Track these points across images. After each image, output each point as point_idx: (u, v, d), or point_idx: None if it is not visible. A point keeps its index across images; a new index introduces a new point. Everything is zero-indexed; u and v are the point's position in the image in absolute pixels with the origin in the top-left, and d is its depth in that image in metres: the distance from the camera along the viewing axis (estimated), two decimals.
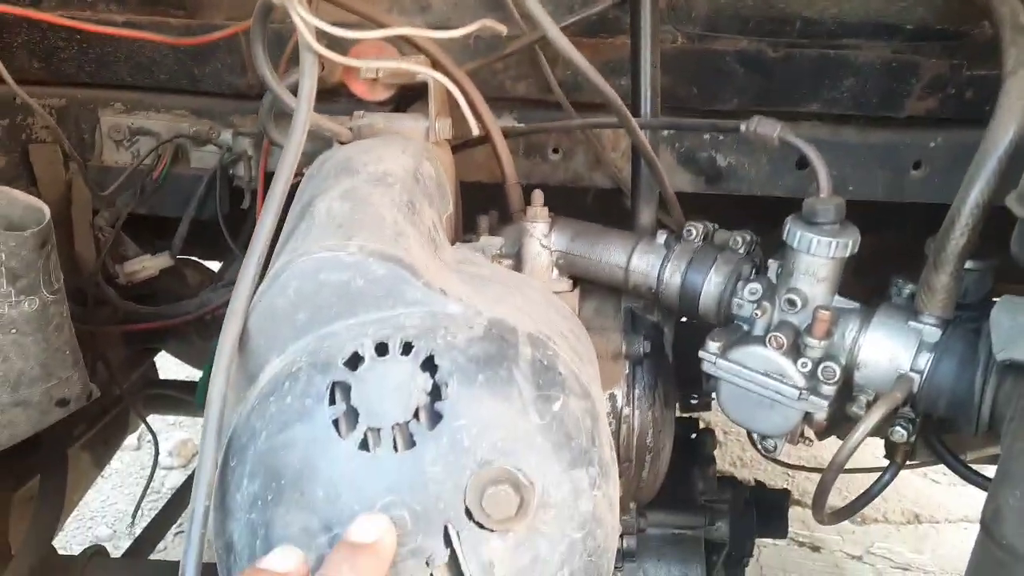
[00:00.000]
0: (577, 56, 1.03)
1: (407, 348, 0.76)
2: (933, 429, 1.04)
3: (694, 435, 1.50)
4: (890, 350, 0.93)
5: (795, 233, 0.95)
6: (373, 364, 0.74)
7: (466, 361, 0.76)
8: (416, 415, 0.74)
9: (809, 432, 1.04)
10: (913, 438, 0.98)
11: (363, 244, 0.79)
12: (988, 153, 0.86)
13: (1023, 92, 0.86)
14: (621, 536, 1.29)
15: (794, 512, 2.78)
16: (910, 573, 2.65)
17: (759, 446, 1.03)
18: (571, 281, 1.16)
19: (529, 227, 1.13)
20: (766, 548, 2.57)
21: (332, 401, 0.72)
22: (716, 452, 2.89)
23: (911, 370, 0.92)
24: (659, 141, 1.53)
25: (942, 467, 1.18)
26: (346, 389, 0.73)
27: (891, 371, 0.93)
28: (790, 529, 2.70)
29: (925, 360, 0.91)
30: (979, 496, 0.90)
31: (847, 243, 0.94)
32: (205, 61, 1.41)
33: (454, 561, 0.70)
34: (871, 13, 1.35)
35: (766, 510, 1.50)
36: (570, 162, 1.55)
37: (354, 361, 0.74)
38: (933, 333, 0.91)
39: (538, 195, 1.14)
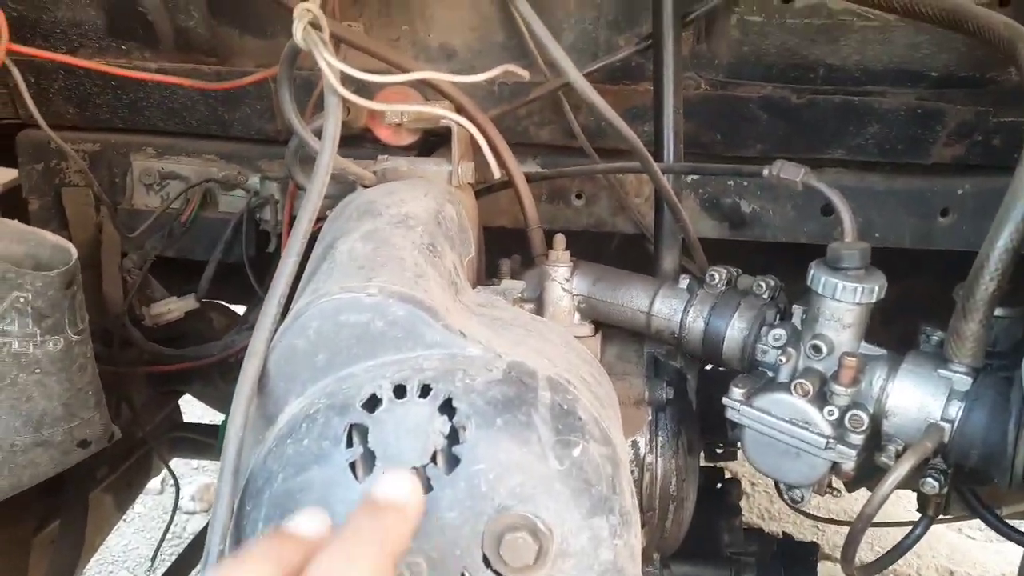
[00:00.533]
0: (600, 101, 1.04)
1: (425, 390, 0.75)
2: (966, 481, 1.01)
3: (719, 485, 1.47)
4: (919, 398, 0.91)
5: (820, 278, 0.94)
6: (391, 406, 0.73)
7: (484, 404, 0.75)
8: (433, 459, 0.73)
9: (838, 483, 1.02)
10: (945, 490, 0.95)
11: (383, 285, 0.79)
12: (1017, 197, 0.85)
13: None
14: None
15: (824, 567, 2.70)
16: None
17: (786, 496, 1.00)
18: (593, 326, 1.15)
19: (551, 271, 1.13)
20: None
21: (349, 444, 0.72)
22: (743, 503, 2.84)
23: (941, 419, 0.89)
24: (683, 187, 1.54)
25: (977, 522, 1.14)
26: (363, 431, 0.72)
27: (920, 420, 0.90)
28: None
29: (956, 409, 0.89)
30: (1016, 552, 0.87)
31: (873, 289, 0.92)
32: (235, 107, 1.44)
33: None
34: (895, 60, 1.35)
35: (793, 563, 1.46)
36: (593, 207, 1.56)
37: (372, 403, 0.73)
38: (963, 381, 0.89)
39: (560, 239, 1.14)
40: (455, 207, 1.07)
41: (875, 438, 0.95)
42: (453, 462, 0.73)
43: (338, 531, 0.59)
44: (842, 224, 0.94)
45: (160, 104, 1.45)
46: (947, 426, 0.89)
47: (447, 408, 0.74)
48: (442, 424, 0.74)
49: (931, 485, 0.94)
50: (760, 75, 1.40)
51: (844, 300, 0.93)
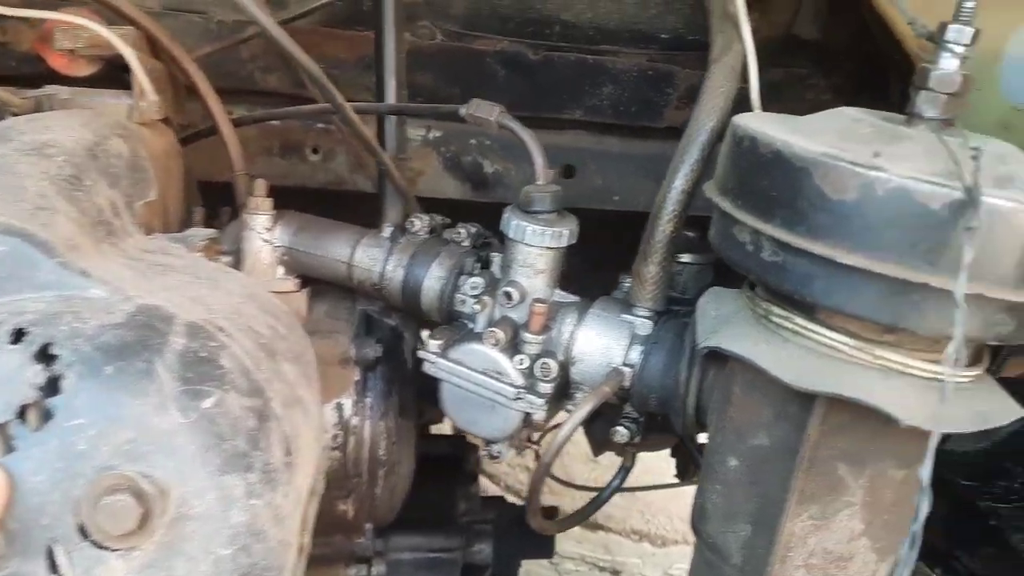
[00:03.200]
0: (289, 43, 0.95)
1: (19, 336, 0.64)
2: (660, 429, 1.01)
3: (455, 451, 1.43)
4: (603, 344, 0.89)
5: (511, 222, 0.90)
6: None
7: (93, 350, 0.65)
8: (23, 414, 0.61)
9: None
10: (638, 438, 0.95)
11: None
12: (692, 140, 0.85)
13: (726, 79, 0.85)
14: (369, 561, 1.19)
15: (597, 536, 2.78)
16: None
17: (484, 451, 0.96)
18: (298, 280, 1.06)
19: (249, 220, 1.02)
20: (568, 574, 2.53)
21: None
22: (506, 474, 2.84)
23: (624, 364, 0.88)
24: (424, 144, 1.48)
25: None
26: None
27: (604, 365, 0.89)
28: (592, 554, 2.69)
29: (637, 353, 0.88)
30: None
31: (562, 232, 0.89)
32: None
33: None
34: (626, 19, 1.35)
35: (533, 530, 1.44)
36: (331, 163, 1.47)
37: None
38: (645, 325, 0.88)
39: (261, 184, 1.04)
40: (129, 143, 0.95)
41: (567, 386, 0.92)
42: (46, 418, 0.62)
43: None
44: (535, 166, 0.91)
45: None
46: (628, 371, 0.87)
47: (44, 356, 0.63)
48: (34, 374, 0.62)
49: (621, 434, 0.93)
50: (497, 28, 1.36)
51: (534, 244, 0.89)
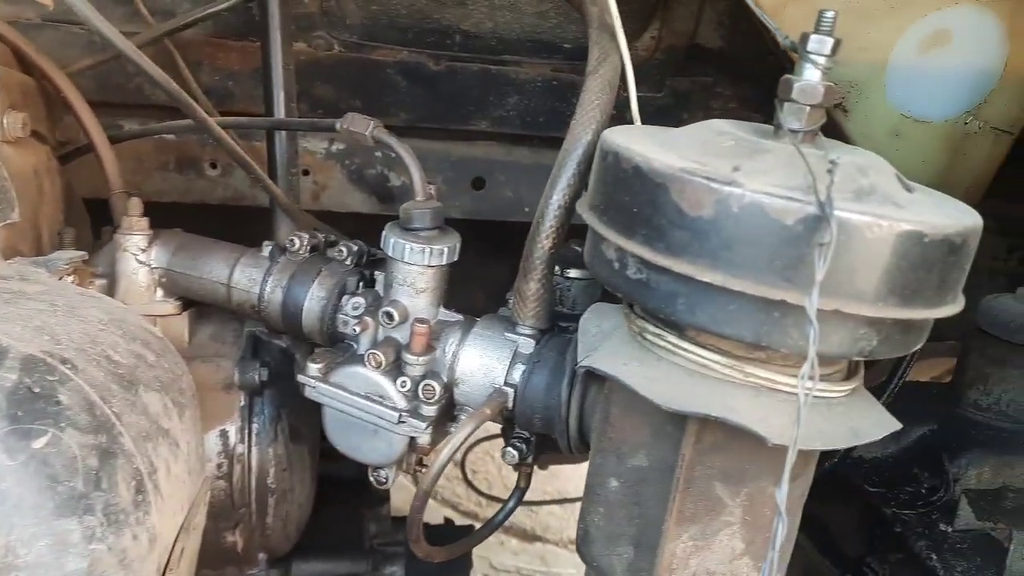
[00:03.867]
0: (143, 60, 0.90)
1: None
2: (552, 449, 0.98)
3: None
4: (485, 363, 0.86)
5: (390, 241, 0.87)
6: None
7: None
8: None
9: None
10: (531, 458, 0.92)
11: None
12: (568, 154, 0.83)
13: (602, 91, 0.84)
14: None
15: (534, 548, 2.76)
16: None
17: (371, 478, 0.93)
18: (179, 303, 1.02)
19: (123, 241, 0.98)
20: None
21: None
22: (443, 487, 2.79)
23: (506, 384, 0.85)
24: (328, 158, 1.44)
25: None
26: None
27: (486, 386, 0.86)
28: (528, 566, 2.67)
29: (519, 373, 0.85)
30: None
31: (443, 250, 0.87)
32: None
33: None
34: (527, 29, 1.33)
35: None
36: (229, 178, 1.42)
37: None
38: (528, 344, 0.86)
39: (135, 203, 0.99)
40: None
41: (452, 408, 0.89)
42: None
43: None
44: (412, 183, 0.88)
45: None
46: (510, 391, 0.85)
47: None
48: None
49: (511, 455, 0.90)
50: (396, 38, 1.33)
51: (414, 263, 0.86)
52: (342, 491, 1.35)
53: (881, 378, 1.32)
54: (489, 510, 2.80)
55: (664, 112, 1.44)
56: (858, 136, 1.05)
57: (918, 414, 1.34)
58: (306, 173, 1.42)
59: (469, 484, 1.81)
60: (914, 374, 1.69)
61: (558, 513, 2.79)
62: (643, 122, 1.35)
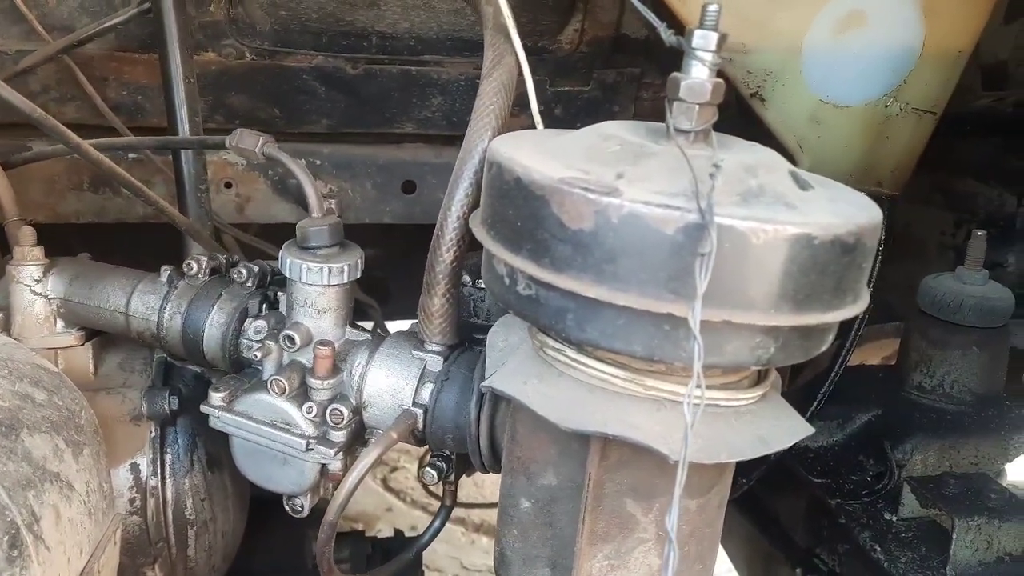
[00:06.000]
0: None
1: None
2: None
3: None
4: (393, 384, 0.83)
5: (286, 260, 0.83)
6: None
7: None
8: None
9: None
10: (452, 476, 0.89)
11: None
12: (465, 163, 0.79)
13: (496, 95, 0.80)
14: None
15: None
16: None
17: (287, 506, 0.89)
18: (81, 333, 0.97)
19: (15, 272, 0.93)
20: None
21: None
22: (413, 489, 2.75)
23: (415, 404, 0.82)
24: (251, 168, 1.40)
25: None
26: None
27: (395, 407, 0.83)
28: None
29: (428, 392, 0.82)
30: None
31: (343, 268, 0.83)
32: None
33: None
34: (445, 28, 1.29)
35: (395, 561, 1.37)
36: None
37: None
38: (436, 362, 0.82)
39: (27, 232, 0.94)
40: None
41: (363, 431, 0.86)
42: None
43: None
44: (307, 198, 0.84)
45: None
46: (419, 411, 0.81)
47: None
48: None
49: (430, 475, 0.87)
50: (311, 43, 1.29)
51: (313, 283, 0.83)
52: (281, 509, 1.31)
53: (823, 365, 1.30)
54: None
55: (593, 104, 1.41)
56: (777, 125, 1.03)
57: (863, 399, 1.33)
58: (228, 186, 1.38)
59: (426, 488, 1.77)
60: (862, 356, 1.68)
61: None
62: (571, 117, 1.31)
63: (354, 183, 1.42)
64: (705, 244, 0.55)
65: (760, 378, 0.71)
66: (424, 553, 1.50)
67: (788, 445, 0.68)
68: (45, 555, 0.71)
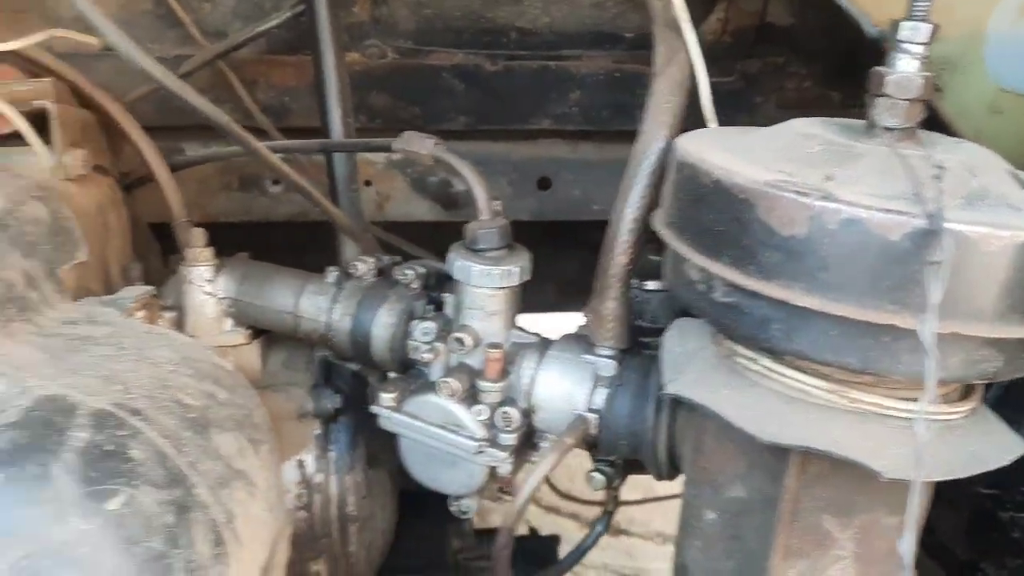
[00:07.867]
0: (182, 88, 0.88)
1: None
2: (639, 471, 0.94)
3: None
4: (565, 389, 0.82)
5: (455, 263, 0.83)
6: None
7: None
8: None
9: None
10: (618, 482, 0.88)
11: None
12: (639, 163, 0.77)
13: (671, 93, 0.78)
14: None
15: (619, 542, 2.71)
16: None
17: (452, 508, 0.90)
18: (249, 332, 1.00)
19: (187, 273, 0.97)
20: None
21: None
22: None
23: (588, 410, 0.81)
24: (389, 167, 1.41)
25: None
26: None
27: (567, 412, 0.82)
28: (614, 561, 2.63)
29: (602, 397, 0.80)
30: None
31: (513, 271, 0.82)
32: None
33: None
34: (585, 21, 1.27)
35: (535, 561, 1.38)
36: (294, 195, 1.41)
37: None
38: (608, 366, 0.81)
39: (198, 234, 0.98)
40: (49, 205, 0.89)
41: (533, 434, 0.86)
42: None
43: None
44: (475, 200, 0.84)
45: None
46: (593, 417, 0.80)
47: None
48: None
49: (598, 481, 0.86)
50: (451, 41, 1.29)
51: (484, 286, 0.82)
52: (424, 506, 1.33)
53: None
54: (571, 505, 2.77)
55: (736, 96, 1.36)
56: (954, 115, 0.97)
57: None
58: (368, 184, 1.40)
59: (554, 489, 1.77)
60: None
61: (644, 506, 2.74)
62: (714, 107, 1.27)
63: (490, 180, 1.42)
64: (936, 252, 0.52)
65: (969, 391, 0.67)
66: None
67: (1005, 463, 0.64)
68: (239, 552, 0.73)
